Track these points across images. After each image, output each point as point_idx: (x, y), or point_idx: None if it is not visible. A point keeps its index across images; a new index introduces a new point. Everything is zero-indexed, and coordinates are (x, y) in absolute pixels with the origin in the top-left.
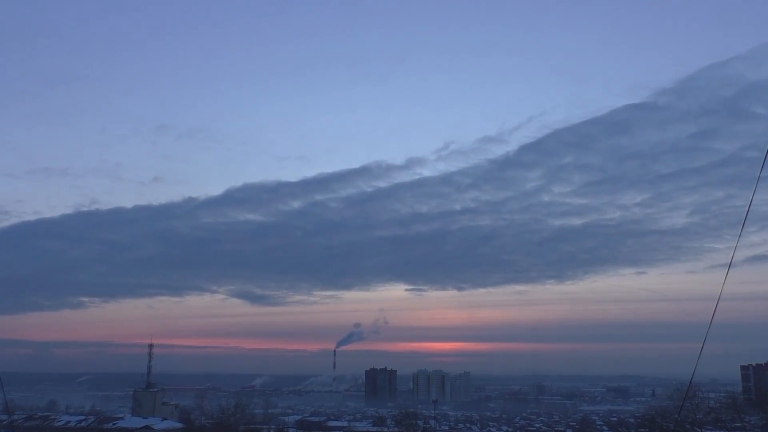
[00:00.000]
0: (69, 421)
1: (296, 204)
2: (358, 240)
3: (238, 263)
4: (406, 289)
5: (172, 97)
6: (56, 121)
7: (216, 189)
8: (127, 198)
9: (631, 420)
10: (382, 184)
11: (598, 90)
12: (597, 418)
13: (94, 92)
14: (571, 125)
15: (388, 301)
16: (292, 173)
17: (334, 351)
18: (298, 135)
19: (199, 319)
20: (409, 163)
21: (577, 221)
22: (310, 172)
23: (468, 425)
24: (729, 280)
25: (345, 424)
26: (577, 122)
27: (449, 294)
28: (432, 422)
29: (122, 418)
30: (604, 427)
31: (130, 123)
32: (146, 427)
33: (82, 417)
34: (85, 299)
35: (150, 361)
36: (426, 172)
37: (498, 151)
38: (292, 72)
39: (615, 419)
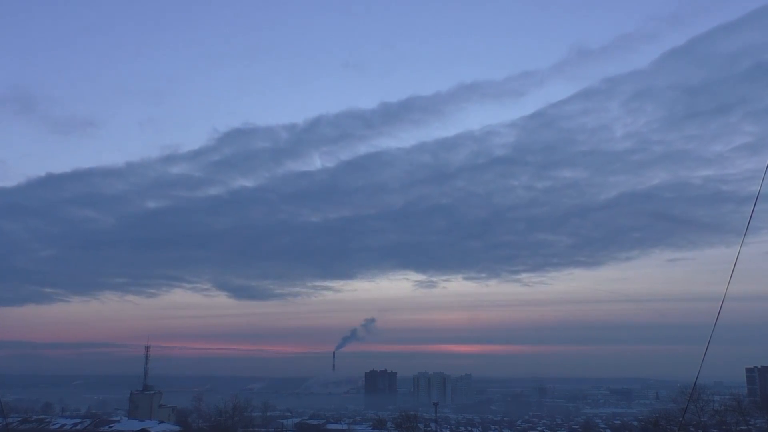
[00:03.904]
0: (64, 424)
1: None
2: (360, 215)
3: (218, 248)
4: (415, 282)
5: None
6: None
7: (195, 138)
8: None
9: (635, 423)
10: (395, 126)
11: None
12: (600, 421)
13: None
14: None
15: (391, 300)
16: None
17: (334, 353)
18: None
19: (191, 320)
20: (435, 99)
21: (649, 179)
22: (299, 116)
23: (469, 428)
24: (734, 279)
25: (345, 427)
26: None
27: (457, 288)
28: (433, 425)
29: (119, 421)
30: (608, 431)
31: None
32: (143, 430)
33: (78, 420)
34: (49, 290)
35: (146, 363)
36: (452, 108)
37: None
38: None
39: (618, 422)
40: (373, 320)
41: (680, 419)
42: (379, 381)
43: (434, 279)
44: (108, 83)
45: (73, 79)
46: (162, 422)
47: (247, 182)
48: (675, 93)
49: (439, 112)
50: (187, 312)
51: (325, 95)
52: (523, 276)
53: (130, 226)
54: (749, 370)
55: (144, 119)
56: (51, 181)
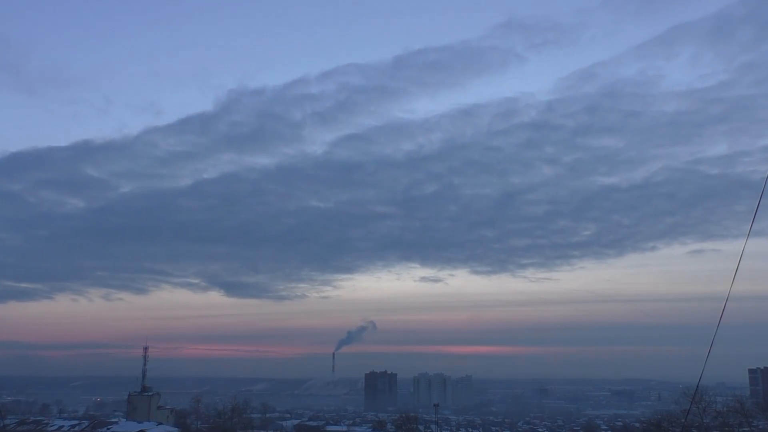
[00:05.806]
0: (62, 426)
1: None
2: (360, 198)
3: (205, 238)
4: (418, 278)
5: None
6: None
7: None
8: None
9: (637, 424)
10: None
11: None
12: (602, 422)
13: None
14: None
15: (392, 299)
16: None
17: (333, 354)
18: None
19: (188, 320)
20: (458, 49)
21: (697, 149)
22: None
23: (470, 430)
24: (741, 277)
25: (344, 428)
26: None
27: (461, 284)
28: (433, 426)
29: (117, 423)
30: None
31: None
32: (141, 431)
33: (76, 421)
34: (25, 285)
35: (145, 364)
36: (477, 59)
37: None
38: None
39: (620, 424)
40: (372, 323)
41: (682, 421)
42: (379, 382)
43: (439, 273)
44: (92, 36)
45: (54, 28)
46: (160, 424)
47: (235, 158)
48: (748, 33)
49: (460, 64)
50: (183, 312)
51: (329, 46)
52: (530, 271)
53: (105, 212)
54: (752, 371)
55: (128, 80)
56: (14, 160)
